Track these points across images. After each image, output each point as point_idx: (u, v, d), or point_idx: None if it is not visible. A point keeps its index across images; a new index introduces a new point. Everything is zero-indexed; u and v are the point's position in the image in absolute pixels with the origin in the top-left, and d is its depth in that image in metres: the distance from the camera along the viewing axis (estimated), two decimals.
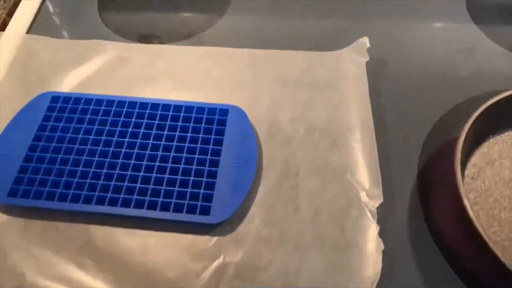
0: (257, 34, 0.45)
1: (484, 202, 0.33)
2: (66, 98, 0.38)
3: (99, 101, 0.38)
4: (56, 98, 0.38)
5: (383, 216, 0.33)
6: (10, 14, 0.47)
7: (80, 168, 0.34)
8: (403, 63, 0.42)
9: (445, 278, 0.31)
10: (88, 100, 0.38)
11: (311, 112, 0.38)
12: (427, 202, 0.33)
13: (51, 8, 0.48)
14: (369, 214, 0.32)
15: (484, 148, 0.35)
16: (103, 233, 0.32)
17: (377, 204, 0.32)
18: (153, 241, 0.32)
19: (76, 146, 0.35)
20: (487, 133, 0.36)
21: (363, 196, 0.33)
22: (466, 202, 0.28)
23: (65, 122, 0.37)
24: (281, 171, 0.35)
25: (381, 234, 0.31)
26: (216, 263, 0.31)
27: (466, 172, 0.34)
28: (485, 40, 0.44)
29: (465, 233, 0.30)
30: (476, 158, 0.35)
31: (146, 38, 0.45)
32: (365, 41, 0.41)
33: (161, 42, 0.44)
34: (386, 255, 0.31)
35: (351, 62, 0.40)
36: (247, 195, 0.33)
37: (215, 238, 0.32)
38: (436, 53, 0.43)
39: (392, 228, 0.33)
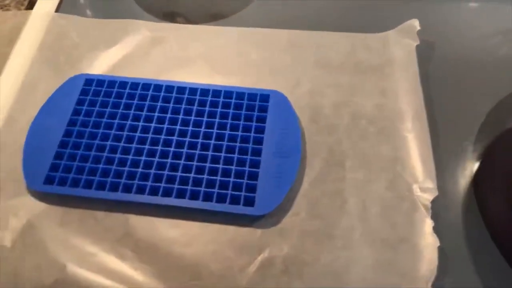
0: (296, 15, 0.42)
1: None
2: (100, 81, 0.36)
3: (134, 85, 0.36)
4: (89, 80, 0.37)
5: (436, 210, 0.31)
6: None
7: (118, 155, 0.33)
8: (453, 46, 0.39)
9: (504, 276, 0.29)
10: (123, 83, 0.36)
11: (356, 98, 0.36)
12: (484, 196, 0.32)
13: None
14: (422, 209, 0.31)
15: None
16: (143, 224, 0.31)
17: (431, 198, 0.31)
18: (195, 232, 0.31)
19: (113, 132, 0.34)
20: None
21: (416, 189, 0.31)
22: None
23: (100, 106, 0.35)
24: (326, 161, 0.33)
25: (435, 229, 0.30)
26: (261, 257, 0.30)
27: None
28: None
29: None
30: None
31: (175, 17, 0.43)
32: (415, 23, 0.38)
33: (194, 22, 0.42)
34: (440, 252, 0.29)
35: (399, 45, 0.38)
36: (293, 186, 0.32)
37: (259, 231, 0.31)
38: (490, 35, 0.40)
39: (446, 223, 0.31)
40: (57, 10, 0.43)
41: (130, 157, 0.33)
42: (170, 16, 0.43)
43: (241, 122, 0.34)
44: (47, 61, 0.39)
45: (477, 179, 0.32)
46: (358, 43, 0.39)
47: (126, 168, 0.32)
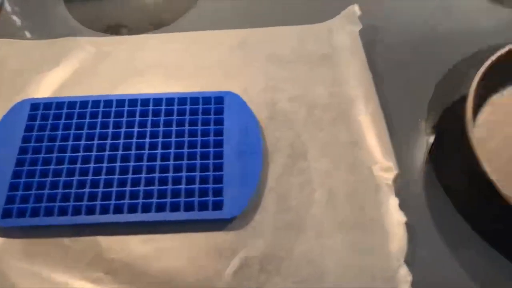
0: (240, 13, 0.43)
1: (497, 160, 0.33)
2: (47, 104, 0.35)
3: (84, 103, 0.35)
4: (35, 105, 0.35)
5: (398, 188, 0.32)
6: None
7: (76, 178, 0.32)
8: (395, 27, 0.41)
9: (468, 240, 0.30)
10: (72, 104, 0.35)
11: (310, 89, 0.37)
12: (442, 167, 0.33)
13: (9, 8, 0.44)
14: (385, 188, 0.31)
15: (489, 106, 0.35)
16: (113, 243, 0.30)
17: (392, 177, 0.32)
18: (168, 244, 0.30)
19: (68, 154, 0.33)
20: (492, 90, 0.35)
21: (377, 170, 0.32)
22: (482, 162, 0.28)
23: (51, 130, 0.34)
24: (288, 155, 0.34)
25: (400, 206, 0.31)
26: (237, 259, 0.30)
27: (475, 131, 0.34)
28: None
29: (483, 193, 0.30)
30: (483, 116, 0.34)
31: (117, 29, 0.42)
32: (355, 9, 0.39)
33: (137, 32, 0.41)
34: (408, 226, 0.30)
35: (344, 32, 0.39)
36: (257, 184, 0.32)
37: (231, 233, 0.31)
38: (428, 12, 0.42)
39: (409, 199, 0.32)
40: None
41: (89, 177, 0.32)
42: (114, 30, 0.42)
43: (199, 127, 0.34)
44: None
45: (434, 152, 0.34)
46: (305, 34, 0.39)
47: (87, 190, 0.31)
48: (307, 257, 0.30)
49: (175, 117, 0.34)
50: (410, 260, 0.29)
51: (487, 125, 0.34)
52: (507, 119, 0.34)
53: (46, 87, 0.37)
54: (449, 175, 0.33)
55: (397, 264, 0.29)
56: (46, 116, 0.35)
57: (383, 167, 0.32)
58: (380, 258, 0.29)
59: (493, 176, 0.28)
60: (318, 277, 0.29)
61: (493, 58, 0.32)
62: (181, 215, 0.31)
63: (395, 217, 0.30)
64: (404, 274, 0.28)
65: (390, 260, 0.29)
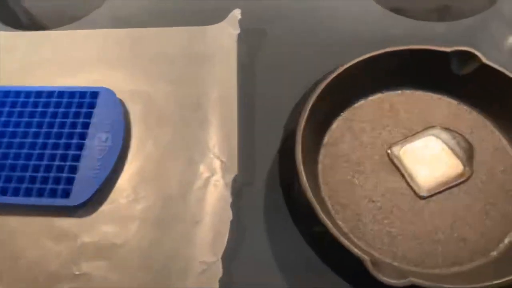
0: (144, 13, 0.45)
1: (339, 166, 0.33)
2: None
3: None
4: None
5: (242, 188, 0.33)
6: None
7: None
8: (282, 33, 0.41)
9: (292, 243, 0.31)
10: None
11: (185, 88, 0.38)
12: (285, 176, 0.34)
13: None
14: (224, 187, 0.33)
15: (347, 113, 0.35)
16: None
17: (231, 176, 0.33)
18: (20, 226, 0.33)
19: None
20: (353, 97, 0.35)
21: (221, 169, 0.33)
22: (300, 169, 0.29)
23: None
24: (150, 152, 0.35)
25: (236, 205, 0.32)
26: (77, 243, 0.32)
27: (326, 139, 0.34)
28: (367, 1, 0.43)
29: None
30: (338, 123, 0.35)
31: (30, 24, 0.45)
32: (237, 13, 0.40)
33: (46, 27, 0.44)
34: (240, 225, 0.31)
35: (225, 35, 0.40)
36: (112, 177, 0.34)
37: (77, 220, 0.33)
38: (317, 20, 0.42)
39: (250, 200, 0.33)
40: None
41: None
42: (26, 25, 0.45)
43: (69, 120, 0.36)
44: None
45: (281, 161, 0.34)
46: (195, 36, 0.41)
47: None
48: (141, 246, 0.32)
49: (50, 109, 0.37)
50: (230, 257, 0.30)
51: (339, 133, 0.34)
52: (358, 127, 0.34)
53: None
54: (287, 184, 0.33)
55: (214, 259, 0.30)
56: None
57: (226, 167, 0.33)
58: (201, 252, 0.31)
59: (328, 185, 0.31)
60: (144, 266, 0.31)
61: (333, 74, 0.33)
62: (31, 200, 0.33)
63: (224, 215, 0.32)
64: (217, 269, 0.30)
65: (209, 255, 0.30)
